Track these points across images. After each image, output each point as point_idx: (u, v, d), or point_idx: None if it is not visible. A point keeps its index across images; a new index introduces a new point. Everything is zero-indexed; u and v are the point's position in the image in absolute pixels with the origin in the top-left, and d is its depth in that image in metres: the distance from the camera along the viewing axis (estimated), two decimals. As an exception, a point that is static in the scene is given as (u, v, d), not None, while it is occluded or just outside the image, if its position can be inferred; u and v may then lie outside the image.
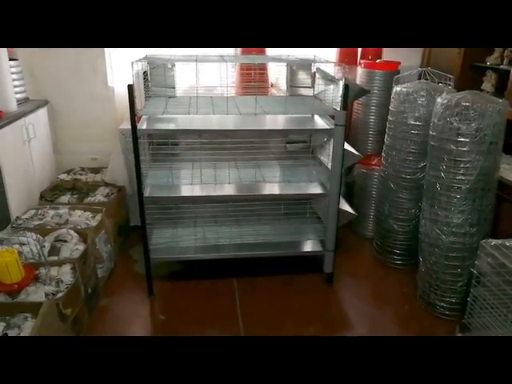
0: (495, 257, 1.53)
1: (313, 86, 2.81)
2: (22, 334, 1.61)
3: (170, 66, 2.66)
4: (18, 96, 3.02)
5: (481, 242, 1.66)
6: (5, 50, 2.73)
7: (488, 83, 2.88)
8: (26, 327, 1.65)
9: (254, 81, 3.05)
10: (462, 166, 2.14)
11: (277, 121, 2.55)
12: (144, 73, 2.59)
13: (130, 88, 2.08)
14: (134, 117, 2.14)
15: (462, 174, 2.14)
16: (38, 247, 2.08)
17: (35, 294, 1.85)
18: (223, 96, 2.50)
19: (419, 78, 2.71)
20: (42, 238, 2.32)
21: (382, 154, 2.77)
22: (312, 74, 2.80)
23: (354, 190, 3.24)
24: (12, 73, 2.92)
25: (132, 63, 2.14)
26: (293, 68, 2.91)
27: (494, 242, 1.62)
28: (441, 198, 2.24)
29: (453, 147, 2.14)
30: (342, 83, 2.24)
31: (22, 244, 2.15)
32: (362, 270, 2.88)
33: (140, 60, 2.34)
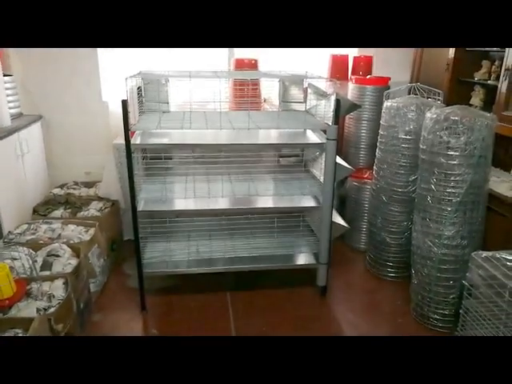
0: (486, 269, 1.54)
1: (305, 101, 2.85)
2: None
3: (163, 81, 2.69)
4: (12, 111, 3.03)
5: (472, 254, 1.67)
6: (-1, 65, 2.75)
7: (476, 98, 2.93)
8: (17, 343, 1.63)
9: (247, 96, 3.10)
10: (452, 179, 2.17)
11: (270, 135, 2.58)
12: (138, 88, 2.62)
13: (124, 103, 2.10)
14: (127, 132, 2.15)
15: (453, 187, 2.18)
16: (30, 262, 2.07)
17: (26, 309, 1.84)
18: (217, 111, 2.53)
19: (409, 93, 2.77)
20: (34, 252, 2.31)
21: (374, 167, 2.81)
22: (304, 89, 2.85)
23: (347, 203, 3.27)
24: (6, 88, 2.94)
25: (126, 79, 2.16)
26: (285, 83, 2.95)
27: (484, 253, 1.64)
28: (432, 211, 2.27)
29: (443, 160, 2.17)
30: (333, 98, 2.28)
31: (13, 259, 2.14)
32: (355, 283, 2.88)
33: (134, 75, 2.36)
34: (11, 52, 3.15)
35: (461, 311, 1.73)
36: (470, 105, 2.95)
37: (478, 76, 2.92)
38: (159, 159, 2.55)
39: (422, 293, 2.39)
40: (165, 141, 2.40)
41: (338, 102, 2.25)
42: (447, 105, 2.41)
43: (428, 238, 2.30)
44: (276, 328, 2.37)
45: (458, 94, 2.98)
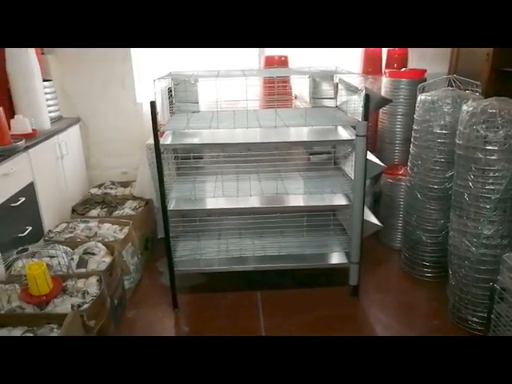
0: None
1: (335, 97, 2.80)
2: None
3: (192, 81, 2.72)
4: (52, 115, 3.16)
5: (503, 256, 1.58)
6: (39, 72, 2.87)
7: (519, 88, 2.76)
8: (52, 338, 1.70)
9: (277, 94, 3.07)
10: (490, 175, 2.06)
11: (300, 132, 2.55)
12: (168, 89, 2.66)
13: (153, 104, 2.14)
14: (156, 132, 2.19)
15: (491, 184, 2.06)
16: (66, 260, 2.15)
17: (62, 305, 1.92)
18: (246, 110, 2.52)
19: (447, 86, 2.65)
20: (71, 250, 2.40)
21: (408, 163, 2.71)
22: (334, 85, 2.79)
23: (381, 200, 3.18)
24: (46, 93, 3.07)
25: (154, 80, 2.20)
26: (315, 80, 2.90)
27: None
28: (469, 209, 2.16)
29: (480, 156, 2.06)
30: (362, 93, 2.22)
31: (51, 257, 2.24)
32: (389, 283, 2.80)
33: (163, 77, 2.40)
34: (50, 58, 3.29)
35: (492, 316, 1.63)
36: (513, 96, 2.78)
37: (521, 65, 2.76)
38: (189, 159, 2.58)
39: (460, 294, 2.28)
40: (194, 141, 2.43)
41: (367, 97, 2.18)
42: (486, 97, 2.28)
43: (465, 237, 2.20)
44: (306, 327, 2.34)
45: (499, 85, 2.81)
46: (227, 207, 2.47)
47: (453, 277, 2.33)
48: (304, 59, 3.45)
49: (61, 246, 2.30)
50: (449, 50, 3.30)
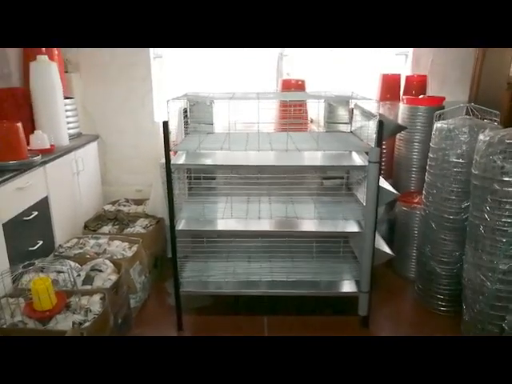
0: None
1: (350, 122, 2.78)
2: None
3: (208, 103, 2.75)
4: (72, 131, 3.23)
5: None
6: (61, 89, 2.95)
7: (541, 119, 2.69)
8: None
9: (293, 117, 3.08)
10: (507, 207, 1.98)
11: (313, 156, 2.53)
12: (184, 110, 2.70)
13: (165, 124, 2.16)
14: (168, 152, 2.21)
15: (508, 216, 1.99)
16: (72, 276, 2.16)
17: (64, 322, 1.91)
18: (260, 132, 2.52)
19: (466, 115, 2.60)
20: (80, 266, 2.41)
21: (423, 191, 2.65)
22: (349, 110, 2.77)
23: (396, 228, 3.10)
24: (67, 110, 3.15)
25: (168, 101, 2.22)
26: (331, 104, 2.89)
27: None
28: (485, 242, 2.09)
29: (497, 187, 2.00)
30: (376, 119, 2.19)
31: (59, 272, 2.25)
32: (402, 314, 2.70)
33: (178, 98, 2.43)
34: (74, 76, 3.40)
35: None
36: (534, 126, 2.71)
37: (543, 95, 2.69)
38: (202, 179, 2.59)
39: (474, 330, 2.18)
40: (206, 161, 2.43)
41: (380, 123, 2.15)
42: (506, 127, 2.23)
43: (480, 271, 2.12)
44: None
45: (520, 114, 2.75)
46: (236, 229, 2.45)
47: (467, 312, 2.24)
48: (321, 83, 3.46)
49: (69, 262, 2.30)
50: (469, 77, 3.26)
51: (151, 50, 3.52)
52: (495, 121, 2.44)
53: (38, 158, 2.50)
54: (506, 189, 1.96)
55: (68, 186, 2.95)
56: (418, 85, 3.36)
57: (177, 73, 3.60)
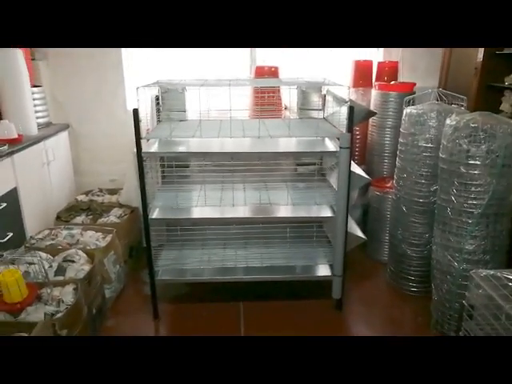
0: (484, 288, 1.42)
1: (323, 109, 2.79)
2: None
3: (180, 90, 2.72)
4: (41, 121, 3.16)
5: (471, 272, 1.55)
6: (27, 77, 2.87)
7: (506, 104, 2.77)
8: (22, 346, 1.67)
9: (267, 104, 3.07)
10: (473, 189, 2.04)
11: (285, 143, 2.54)
12: (156, 97, 2.66)
13: (135, 112, 2.13)
14: (139, 140, 2.19)
15: (474, 198, 2.05)
16: (43, 267, 2.12)
17: (35, 313, 1.88)
18: (233, 119, 2.51)
19: (436, 100, 2.64)
20: (52, 257, 2.37)
21: (394, 176, 2.70)
22: (322, 97, 2.79)
23: (369, 212, 3.16)
24: (35, 99, 3.07)
25: (137, 88, 2.19)
26: (304, 91, 2.90)
27: (484, 272, 1.51)
28: (452, 223, 2.15)
29: (463, 170, 2.05)
30: (347, 105, 2.22)
31: (30, 264, 2.21)
32: (374, 297, 2.77)
33: (149, 85, 2.40)
34: (41, 64, 3.30)
35: (461, 333, 1.60)
36: (500, 111, 2.79)
37: (508, 81, 2.76)
38: (175, 167, 2.56)
39: (442, 309, 2.26)
40: (178, 149, 2.42)
41: (351, 108, 2.18)
42: (474, 111, 2.28)
43: (448, 251, 2.18)
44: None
45: (487, 100, 2.82)
46: (210, 217, 2.45)
47: (436, 292, 2.31)
48: (295, 70, 3.46)
49: (39, 253, 2.27)
50: (439, 64, 3.32)
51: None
52: (462, 105, 2.50)
53: (4, 148, 2.44)
54: (472, 172, 2.02)
55: (38, 177, 2.89)
56: (389, 71, 3.40)
57: (150, 60, 3.54)
